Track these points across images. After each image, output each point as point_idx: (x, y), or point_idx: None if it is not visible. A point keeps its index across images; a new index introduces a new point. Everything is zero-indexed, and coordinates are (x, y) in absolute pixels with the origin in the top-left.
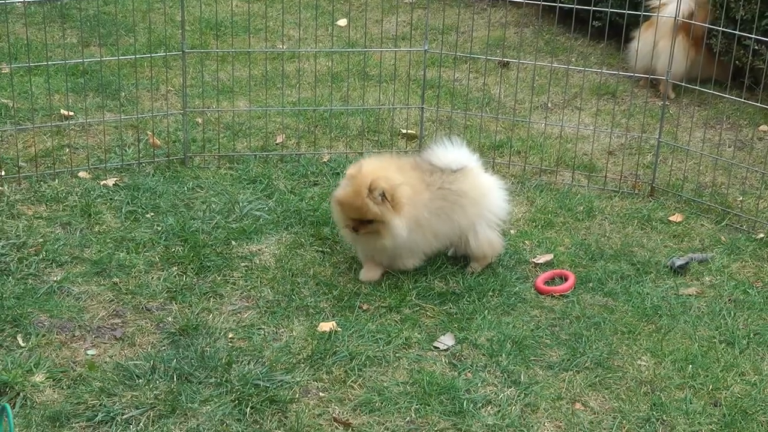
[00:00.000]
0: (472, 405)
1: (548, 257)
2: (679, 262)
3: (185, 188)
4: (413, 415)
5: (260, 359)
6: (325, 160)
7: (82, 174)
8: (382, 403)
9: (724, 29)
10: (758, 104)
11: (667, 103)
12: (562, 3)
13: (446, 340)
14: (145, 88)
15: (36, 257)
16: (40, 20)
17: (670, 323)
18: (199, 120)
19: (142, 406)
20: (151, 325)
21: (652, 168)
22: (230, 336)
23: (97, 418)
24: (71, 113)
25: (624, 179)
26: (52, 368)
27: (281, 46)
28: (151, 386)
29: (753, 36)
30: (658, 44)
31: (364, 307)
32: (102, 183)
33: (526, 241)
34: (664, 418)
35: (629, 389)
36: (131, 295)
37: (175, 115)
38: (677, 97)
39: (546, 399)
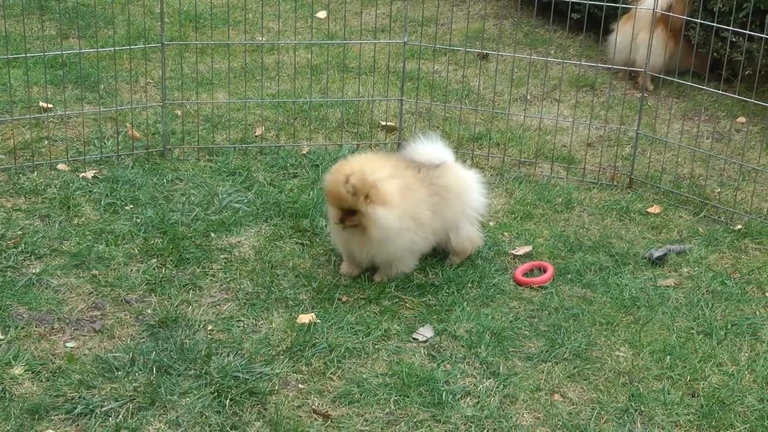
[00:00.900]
0: (451, 396)
1: (527, 249)
2: (657, 254)
3: (164, 180)
4: (392, 406)
5: (239, 351)
6: (305, 152)
7: (61, 166)
8: (361, 395)
9: (702, 21)
10: (736, 96)
11: (645, 95)
12: None
13: (425, 332)
14: (124, 80)
15: (15, 249)
16: (19, 12)
17: (648, 314)
18: (179, 112)
19: (122, 399)
20: (131, 318)
21: (631, 160)
22: (209, 328)
23: (76, 410)
24: (50, 105)
25: (603, 171)
26: (31, 361)
27: (260, 39)
28: (130, 378)
29: (730, 28)
30: (637, 36)
31: (344, 299)
32: (81, 175)
33: (505, 233)
34: (642, 409)
35: (608, 380)
36: (110, 287)
37: (155, 107)
38: (656, 88)
39: (525, 390)
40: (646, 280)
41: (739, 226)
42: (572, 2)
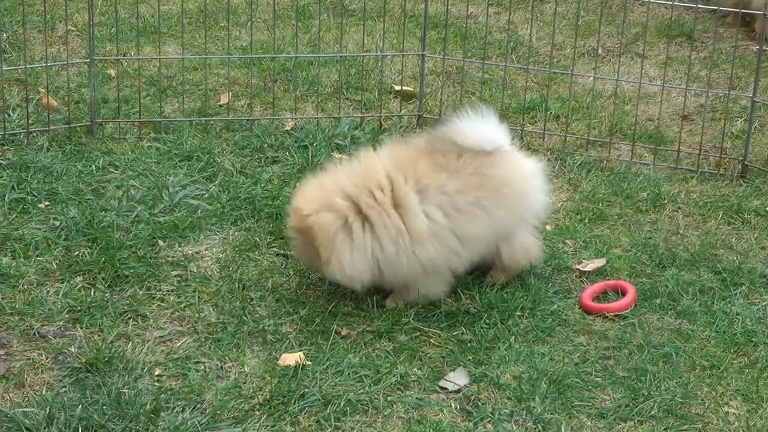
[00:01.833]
0: None
1: (599, 263)
2: None
3: (93, 167)
4: None
5: (199, 405)
6: (288, 128)
7: None
8: None
9: None
10: None
11: (765, 48)
12: None
13: (457, 379)
14: (35, 28)
15: None
16: None
17: None
18: (112, 72)
19: None
20: (47, 359)
21: (744, 139)
22: (157, 373)
23: None
24: None
25: (704, 154)
26: None
27: None
28: None
29: None
30: None
31: (344, 332)
32: None
33: (567, 241)
34: None
35: None
36: (18, 316)
37: (79, 65)
38: None
39: None
40: (767, 308)
41: None
42: None
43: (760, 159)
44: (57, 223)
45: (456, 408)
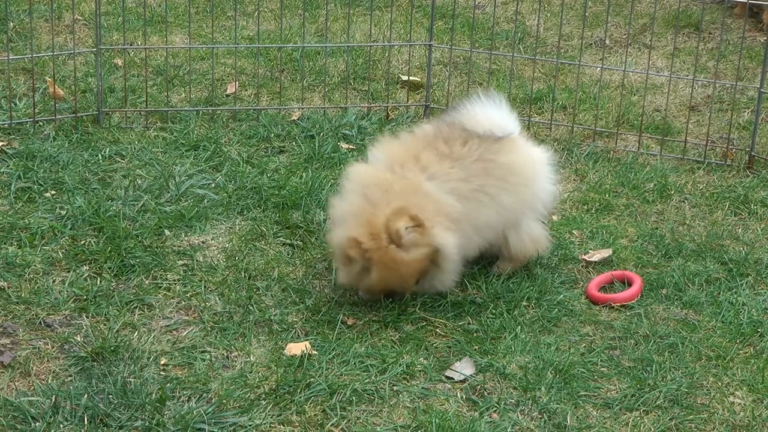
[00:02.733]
0: None
1: (605, 253)
2: None
3: (99, 157)
4: None
5: (205, 394)
6: (295, 118)
7: None
8: None
9: None
10: None
11: None
12: None
13: (463, 368)
14: (42, 17)
15: None
16: None
17: None
18: (119, 62)
19: None
20: (53, 348)
21: (751, 130)
22: (163, 362)
23: None
24: None
25: (712, 145)
26: None
27: None
28: None
29: None
30: None
31: (350, 322)
32: None
33: (574, 231)
34: None
35: None
36: (25, 305)
37: (85, 55)
38: None
39: None
40: None
41: None
42: None
43: (767, 150)
44: (63, 213)
45: (462, 398)
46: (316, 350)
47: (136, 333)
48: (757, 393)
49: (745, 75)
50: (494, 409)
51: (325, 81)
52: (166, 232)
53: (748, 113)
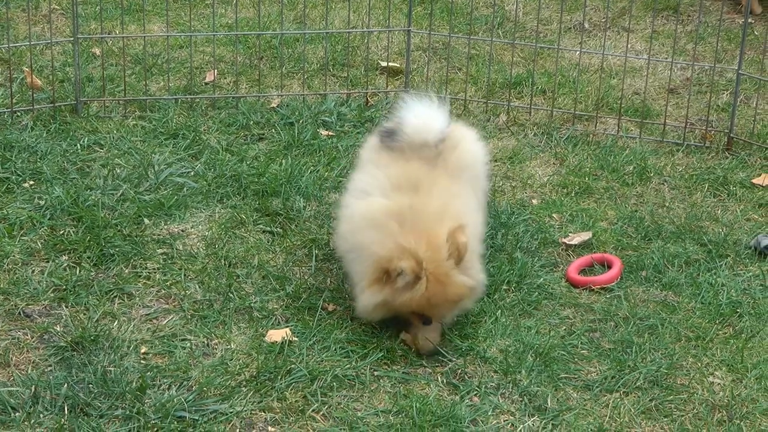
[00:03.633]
0: None
1: (585, 236)
2: (765, 242)
3: (78, 146)
4: None
5: (185, 382)
6: (274, 106)
7: None
8: None
9: None
10: None
11: (751, 21)
12: None
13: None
14: (18, 6)
15: None
16: None
17: (754, 326)
18: (97, 51)
19: None
20: (32, 338)
21: (730, 112)
22: (143, 350)
23: None
24: None
25: (690, 128)
26: None
27: None
28: (32, 422)
29: None
30: None
31: (330, 308)
32: None
33: (554, 215)
34: None
35: (698, 417)
36: (3, 295)
37: (63, 44)
38: (765, 11)
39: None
40: (752, 279)
41: None
42: None
43: (746, 131)
44: (42, 203)
45: (442, 382)
46: (297, 337)
47: (116, 322)
48: (736, 373)
49: (723, 57)
50: (475, 392)
51: (303, 68)
52: (146, 220)
53: (726, 95)
